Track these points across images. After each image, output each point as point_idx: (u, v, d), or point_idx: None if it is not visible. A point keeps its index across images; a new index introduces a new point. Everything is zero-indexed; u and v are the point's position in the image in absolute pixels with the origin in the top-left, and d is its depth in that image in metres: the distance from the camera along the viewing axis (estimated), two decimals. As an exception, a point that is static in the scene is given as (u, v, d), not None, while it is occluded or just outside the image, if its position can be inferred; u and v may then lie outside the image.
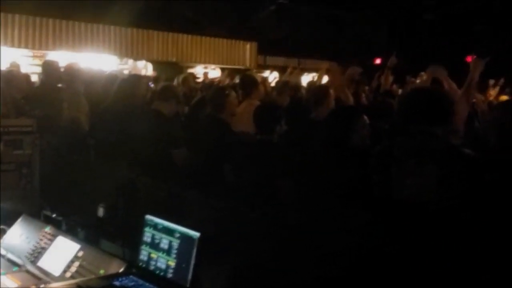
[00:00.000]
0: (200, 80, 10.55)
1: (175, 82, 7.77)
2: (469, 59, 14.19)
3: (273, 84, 7.51)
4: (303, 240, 2.17)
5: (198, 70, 13.39)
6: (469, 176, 2.66)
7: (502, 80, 8.94)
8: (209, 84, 8.16)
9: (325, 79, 7.35)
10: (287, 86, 6.19)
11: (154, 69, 12.24)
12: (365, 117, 3.42)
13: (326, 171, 3.15)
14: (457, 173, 2.67)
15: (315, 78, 8.05)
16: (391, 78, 6.56)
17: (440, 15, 13.98)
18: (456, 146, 2.88)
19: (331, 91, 4.68)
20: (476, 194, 2.56)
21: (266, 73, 11.67)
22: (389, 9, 14.00)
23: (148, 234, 2.37)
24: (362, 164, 2.94)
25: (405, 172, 2.74)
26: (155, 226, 2.36)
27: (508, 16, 12.70)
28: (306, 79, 10.58)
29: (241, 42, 14.69)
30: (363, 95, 6.53)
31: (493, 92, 8.57)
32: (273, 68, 12.34)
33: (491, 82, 8.82)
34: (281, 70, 11.00)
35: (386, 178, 2.79)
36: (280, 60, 14.63)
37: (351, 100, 5.00)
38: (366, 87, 7.45)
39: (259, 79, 6.30)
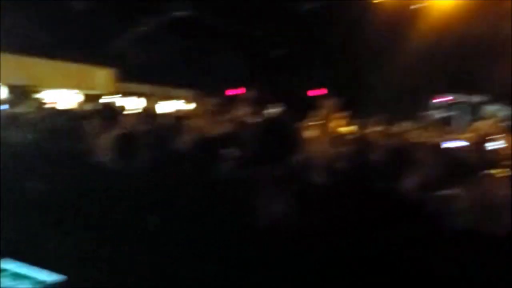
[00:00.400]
0: (52, 105, 10.06)
1: (22, 108, 7.34)
2: (313, 92, 15.29)
3: (134, 112, 7.42)
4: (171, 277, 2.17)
5: (54, 95, 12.78)
6: (320, 202, 2.89)
7: (345, 113, 9.64)
8: (63, 111, 7.83)
9: (188, 107, 7.45)
10: (149, 114, 6.18)
11: (6, 93, 11.45)
12: (229, 147, 3.52)
13: (190, 203, 3.18)
14: (309, 199, 2.87)
15: (178, 106, 8.13)
16: (248, 109, 6.83)
17: (286, 52, 14.89)
18: (309, 175, 3.09)
19: (194, 120, 4.71)
20: (328, 218, 2.79)
21: (127, 100, 11.51)
22: (246, 43, 14.61)
23: (4, 280, 2.14)
24: (225, 195, 3.03)
25: (262, 200, 2.88)
26: (10, 272, 2.16)
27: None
28: (167, 107, 10.60)
29: (99, 67, 14.35)
30: (222, 125, 6.71)
31: (337, 124, 9.21)
32: (133, 95, 12.21)
33: (338, 114, 9.46)
34: (142, 97, 10.93)
35: (246, 207, 2.90)
36: (140, 87, 14.50)
37: (214, 129, 5.09)
38: (225, 117, 7.66)
39: (119, 107, 6.22)
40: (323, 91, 13.81)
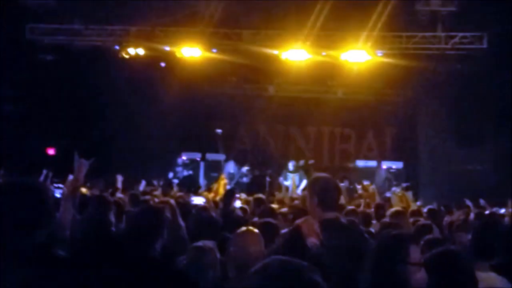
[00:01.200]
0: None
1: None
2: (49, 151, 14.36)
3: None
4: None
5: None
6: (60, 276, 2.60)
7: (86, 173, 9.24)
8: None
9: None
10: None
11: None
12: None
13: None
14: (47, 275, 2.57)
15: None
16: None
17: (20, 107, 13.72)
18: (48, 248, 2.77)
19: None
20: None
21: None
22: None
23: None
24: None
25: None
26: None
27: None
28: None
29: None
30: None
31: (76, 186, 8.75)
32: None
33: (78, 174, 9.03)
34: None
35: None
36: None
37: None
38: None
39: None
40: (53, 150, 13.21)
